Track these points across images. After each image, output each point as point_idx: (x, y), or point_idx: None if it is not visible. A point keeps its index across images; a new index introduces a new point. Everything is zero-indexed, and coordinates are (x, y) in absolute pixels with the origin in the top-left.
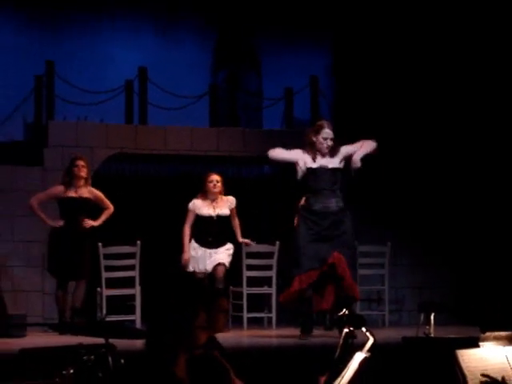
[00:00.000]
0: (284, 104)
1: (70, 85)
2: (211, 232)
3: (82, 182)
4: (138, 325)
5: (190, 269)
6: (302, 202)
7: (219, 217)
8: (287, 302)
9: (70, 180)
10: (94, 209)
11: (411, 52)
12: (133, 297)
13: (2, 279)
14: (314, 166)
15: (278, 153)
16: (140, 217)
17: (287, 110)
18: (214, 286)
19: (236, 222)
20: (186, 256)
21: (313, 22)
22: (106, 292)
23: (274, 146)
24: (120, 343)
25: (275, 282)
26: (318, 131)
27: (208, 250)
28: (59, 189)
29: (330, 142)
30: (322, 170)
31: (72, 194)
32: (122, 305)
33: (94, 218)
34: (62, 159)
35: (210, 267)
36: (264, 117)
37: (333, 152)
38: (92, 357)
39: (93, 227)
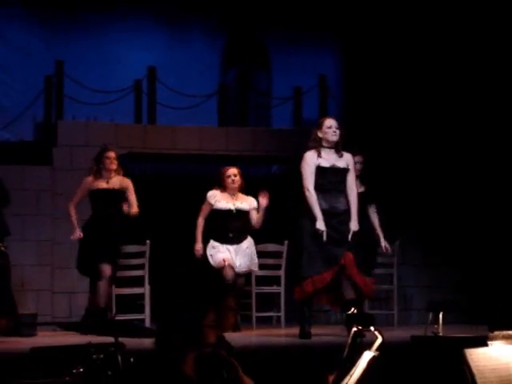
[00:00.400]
0: (293, 103)
1: (79, 84)
2: (231, 227)
3: (112, 174)
4: (148, 324)
5: (218, 259)
6: None
7: (239, 211)
8: (302, 300)
9: (99, 171)
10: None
11: (420, 50)
12: (142, 296)
13: (12, 278)
14: (324, 164)
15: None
16: (149, 216)
17: (296, 109)
18: (223, 283)
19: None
20: (198, 246)
21: (323, 21)
22: (116, 291)
23: (283, 145)
24: (129, 342)
25: (284, 282)
26: (320, 125)
27: (230, 248)
28: (88, 181)
29: (335, 130)
30: (332, 169)
31: (103, 185)
32: (131, 304)
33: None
34: (71, 159)
35: (237, 266)
36: (273, 116)
37: (339, 152)
38: (101, 356)
39: (125, 222)
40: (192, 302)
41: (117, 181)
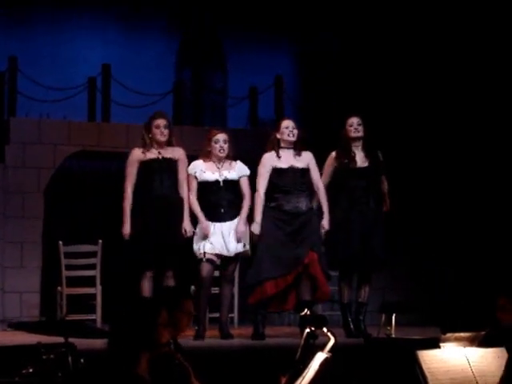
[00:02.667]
0: (249, 103)
1: (33, 81)
2: (221, 201)
3: (164, 145)
4: (99, 324)
5: (200, 250)
6: (270, 202)
7: (227, 182)
8: (257, 304)
9: (149, 141)
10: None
11: (379, 50)
12: (93, 296)
13: None
14: (284, 166)
15: (259, 197)
16: (102, 216)
17: (252, 109)
18: (184, 285)
19: (245, 199)
20: (204, 224)
21: (279, 22)
22: (67, 291)
23: (238, 145)
24: (80, 342)
25: (237, 283)
26: (278, 126)
27: (220, 226)
28: (136, 153)
29: (292, 130)
30: (290, 169)
31: (152, 155)
32: (82, 304)
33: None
34: (24, 156)
35: (230, 250)
36: (229, 116)
37: (299, 152)
38: (52, 356)
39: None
40: (145, 301)
41: (169, 149)
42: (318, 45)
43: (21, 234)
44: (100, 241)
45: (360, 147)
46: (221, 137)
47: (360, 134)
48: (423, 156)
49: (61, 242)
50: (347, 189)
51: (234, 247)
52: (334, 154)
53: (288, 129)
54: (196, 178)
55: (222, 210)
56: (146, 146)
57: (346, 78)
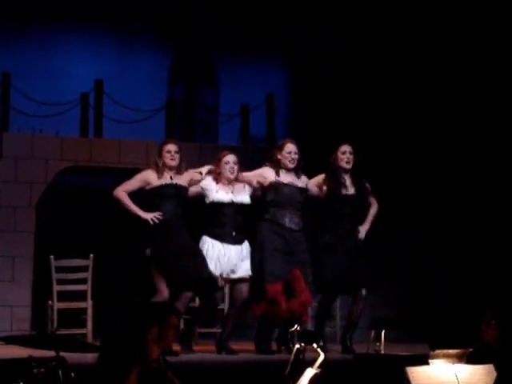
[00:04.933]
0: (240, 120)
1: (25, 97)
2: (233, 223)
3: (174, 171)
4: (90, 339)
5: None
6: (267, 215)
7: (240, 205)
8: (264, 315)
9: (162, 166)
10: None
11: (368, 68)
12: (84, 310)
13: None
14: (284, 180)
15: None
16: (94, 230)
17: (243, 126)
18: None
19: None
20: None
21: (271, 39)
22: (58, 305)
23: None
24: (71, 357)
25: (228, 298)
26: (281, 148)
27: (228, 248)
28: (151, 175)
29: (294, 156)
30: (291, 186)
31: (165, 180)
32: (73, 318)
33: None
34: (16, 171)
35: (238, 273)
36: (220, 132)
37: (298, 173)
38: (42, 370)
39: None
40: (136, 315)
41: (182, 176)
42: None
43: (12, 248)
44: (91, 255)
45: (348, 174)
46: (231, 158)
47: (350, 165)
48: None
49: (52, 257)
50: (334, 214)
51: (243, 270)
52: (323, 176)
53: (290, 154)
54: (203, 191)
55: (234, 233)
56: (159, 171)
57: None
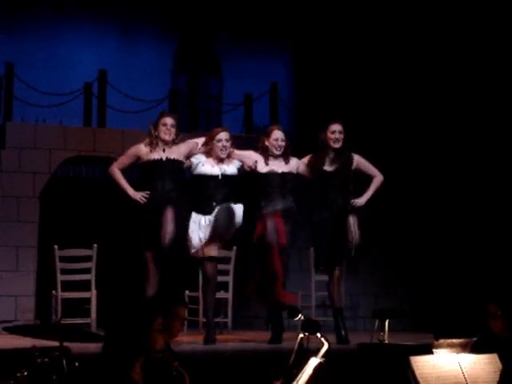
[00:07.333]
0: (244, 109)
1: (29, 87)
2: (216, 195)
3: (170, 145)
4: (93, 328)
5: (194, 244)
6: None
7: (226, 176)
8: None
9: (155, 139)
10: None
11: (373, 59)
12: (88, 300)
13: None
14: (264, 170)
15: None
16: (97, 220)
17: (247, 115)
18: (177, 291)
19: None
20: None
21: (274, 29)
22: (62, 295)
23: None
24: (74, 346)
25: (232, 287)
26: (268, 134)
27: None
28: (141, 149)
29: (281, 143)
30: (271, 174)
31: (156, 155)
32: (77, 308)
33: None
34: (20, 161)
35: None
36: (224, 122)
37: (287, 158)
38: (46, 360)
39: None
40: (140, 306)
41: (176, 150)
42: (313, 51)
43: (16, 238)
44: (95, 245)
45: (337, 152)
46: (223, 136)
47: (339, 144)
48: (422, 159)
49: (56, 246)
50: (320, 190)
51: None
52: (308, 157)
53: (277, 142)
54: (190, 163)
55: (214, 204)
56: (151, 144)
57: (340, 81)
